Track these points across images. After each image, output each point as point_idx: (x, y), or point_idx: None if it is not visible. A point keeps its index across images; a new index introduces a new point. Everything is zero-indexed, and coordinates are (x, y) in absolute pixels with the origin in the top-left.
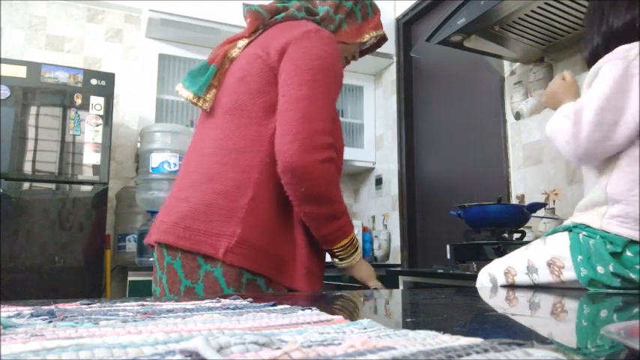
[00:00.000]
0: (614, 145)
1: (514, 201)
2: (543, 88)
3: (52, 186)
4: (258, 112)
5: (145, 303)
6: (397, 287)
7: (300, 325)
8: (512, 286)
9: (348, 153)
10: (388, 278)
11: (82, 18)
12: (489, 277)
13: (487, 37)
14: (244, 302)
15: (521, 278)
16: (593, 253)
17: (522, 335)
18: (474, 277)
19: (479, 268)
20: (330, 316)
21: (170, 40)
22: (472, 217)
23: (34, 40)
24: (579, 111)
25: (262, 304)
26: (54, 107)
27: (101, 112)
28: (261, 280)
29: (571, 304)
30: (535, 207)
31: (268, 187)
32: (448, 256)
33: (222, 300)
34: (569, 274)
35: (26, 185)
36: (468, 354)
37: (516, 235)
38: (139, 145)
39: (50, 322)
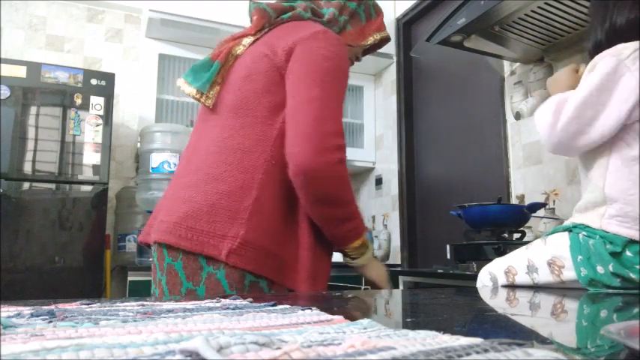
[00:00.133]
0: (588, 140)
1: (514, 201)
2: (543, 88)
3: (52, 186)
4: (263, 111)
5: (145, 303)
6: (397, 287)
7: (300, 325)
8: (512, 286)
9: (348, 153)
10: None
11: (82, 18)
12: (490, 276)
13: (487, 37)
14: (244, 302)
15: (522, 278)
16: (593, 253)
17: (522, 335)
18: (474, 277)
19: (479, 268)
20: (330, 316)
21: (170, 40)
22: (472, 217)
23: (34, 40)
24: (563, 101)
25: (262, 304)
26: (54, 107)
27: (101, 112)
28: (264, 282)
29: (571, 304)
30: (535, 207)
31: (272, 188)
32: (448, 256)
33: (222, 300)
34: (569, 273)
35: (26, 185)
36: (468, 354)
37: (516, 235)
38: (139, 145)
39: (50, 322)
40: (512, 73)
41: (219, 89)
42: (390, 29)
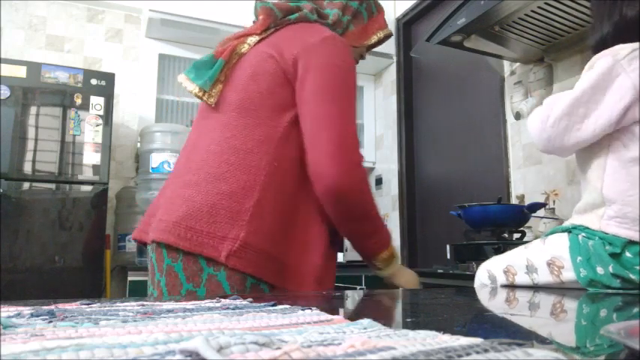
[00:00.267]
0: (578, 138)
1: (514, 201)
2: (543, 88)
3: (52, 186)
4: (267, 112)
5: (145, 303)
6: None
7: (300, 325)
8: (511, 286)
9: None
10: None
11: (82, 18)
12: (488, 274)
13: (487, 37)
14: (244, 302)
15: (522, 278)
16: (592, 254)
17: (522, 335)
18: (474, 277)
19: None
20: (330, 316)
21: (170, 40)
22: (472, 217)
23: (34, 40)
24: (558, 98)
25: (262, 304)
26: (54, 107)
27: (101, 112)
28: (265, 285)
29: (571, 304)
30: (535, 207)
31: (274, 190)
32: (448, 256)
33: (222, 300)
34: (568, 274)
35: (26, 185)
36: (468, 354)
37: (516, 235)
38: (139, 145)
39: (50, 322)
40: (512, 73)
41: (222, 87)
42: (390, 29)
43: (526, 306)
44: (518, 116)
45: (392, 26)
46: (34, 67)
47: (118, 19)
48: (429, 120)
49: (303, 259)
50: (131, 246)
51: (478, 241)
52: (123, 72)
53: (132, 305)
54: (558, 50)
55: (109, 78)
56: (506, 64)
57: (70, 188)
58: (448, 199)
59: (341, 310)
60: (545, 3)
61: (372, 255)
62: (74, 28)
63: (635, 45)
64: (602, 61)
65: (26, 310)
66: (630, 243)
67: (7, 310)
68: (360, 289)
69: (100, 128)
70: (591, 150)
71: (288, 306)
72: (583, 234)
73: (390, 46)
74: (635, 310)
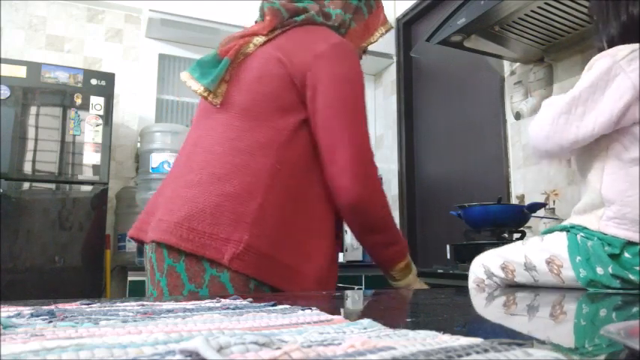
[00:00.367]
0: (576, 136)
1: (514, 201)
2: (543, 88)
3: (52, 186)
4: (272, 115)
5: (145, 303)
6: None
7: (300, 325)
8: (510, 285)
9: None
10: None
11: (82, 18)
12: (484, 269)
13: (487, 37)
14: (244, 302)
15: (521, 275)
16: (592, 254)
17: (522, 335)
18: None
19: None
20: (330, 316)
21: (170, 40)
22: (472, 217)
23: (34, 40)
24: (556, 98)
25: (262, 304)
26: (54, 107)
27: (101, 112)
28: (267, 287)
29: (570, 305)
30: (535, 207)
31: (277, 194)
32: (448, 256)
33: (222, 300)
34: (568, 273)
35: (26, 185)
36: (468, 354)
37: (516, 235)
38: (139, 145)
39: (50, 322)
40: (512, 73)
41: (227, 87)
42: (391, 22)
43: (526, 306)
44: (518, 116)
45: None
46: (34, 67)
47: (118, 19)
48: (429, 120)
49: (306, 261)
50: (131, 246)
51: (478, 241)
52: (123, 72)
53: (132, 305)
54: (558, 50)
55: (109, 78)
56: (506, 64)
57: (70, 188)
58: (448, 199)
59: (341, 310)
60: (545, 3)
61: (390, 265)
62: (74, 28)
63: (635, 46)
64: (600, 61)
65: (26, 310)
66: (629, 244)
67: (7, 310)
68: (359, 288)
69: (100, 128)
70: (590, 151)
71: (288, 306)
72: (581, 234)
73: (390, 46)
74: (635, 310)
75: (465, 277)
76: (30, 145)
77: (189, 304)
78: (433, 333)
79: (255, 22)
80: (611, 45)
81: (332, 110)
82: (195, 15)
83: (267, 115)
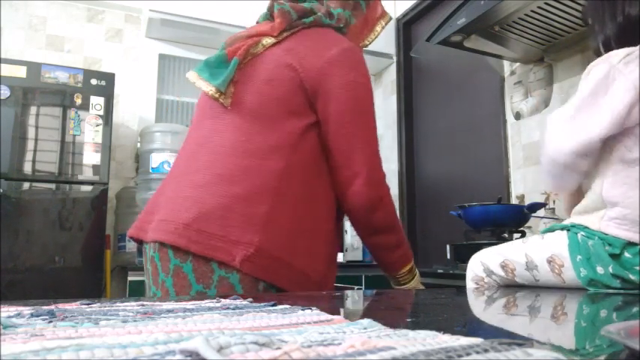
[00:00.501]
0: (585, 139)
1: (514, 201)
2: (543, 88)
3: (52, 186)
4: (281, 118)
5: (145, 303)
6: None
7: (300, 325)
8: (511, 284)
9: None
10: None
11: (82, 18)
12: (483, 266)
13: (487, 37)
14: (244, 302)
15: (522, 274)
16: (592, 253)
17: (522, 335)
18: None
19: None
20: (330, 316)
21: (170, 40)
22: (472, 217)
23: (34, 40)
24: (558, 111)
25: (262, 304)
26: (54, 107)
27: (101, 112)
28: (275, 289)
29: (571, 304)
30: (535, 207)
31: (286, 196)
32: (448, 256)
33: (222, 300)
34: (569, 272)
35: (26, 185)
36: (468, 354)
37: (516, 235)
38: (139, 145)
39: (50, 322)
40: (512, 73)
41: (235, 88)
42: (390, 29)
43: (526, 306)
44: (518, 116)
45: (392, 26)
46: (34, 67)
47: (118, 19)
48: (429, 120)
49: (311, 263)
50: (131, 246)
51: (478, 241)
52: (123, 72)
53: (132, 305)
54: (558, 50)
55: (109, 78)
56: (506, 64)
57: (70, 188)
58: (448, 199)
59: (341, 310)
60: (545, 3)
61: (396, 268)
62: (74, 28)
63: (629, 49)
64: (597, 68)
65: (26, 310)
66: (629, 244)
67: (7, 310)
68: (359, 288)
69: (100, 128)
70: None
71: (288, 306)
72: (582, 233)
73: (390, 46)
74: (635, 310)
75: (465, 277)
76: (30, 145)
77: (189, 304)
78: (433, 333)
79: (257, 22)
80: (607, 46)
81: (346, 116)
82: (195, 15)
83: (276, 118)
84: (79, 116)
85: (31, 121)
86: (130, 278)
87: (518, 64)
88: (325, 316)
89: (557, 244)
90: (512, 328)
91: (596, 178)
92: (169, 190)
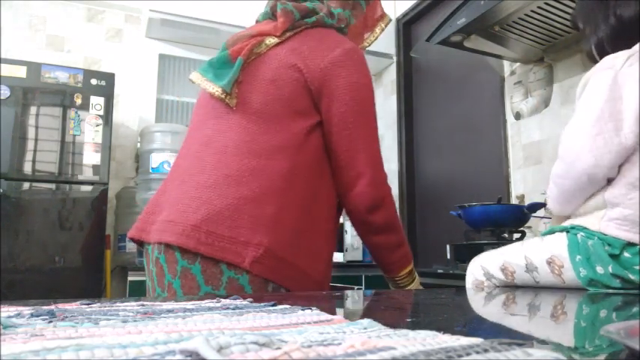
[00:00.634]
0: (623, 148)
1: (514, 201)
2: (543, 88)
3: (52, 186)
4: (286, 119)
5: (145, 303)
6: None
7: (300, 325)
8: (511, 285)
9: None
10: None
11: (82, 18)
12: (483, 270)
13: (487, 37)
14: (244, 302)
15: (522, 276)
16: (592, 253)
17: (522, 335)
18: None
19: None
20: (330, 316)
21: (170, 40)
22: (472, 217)
23: (34, 40)
24: (576, 127)
25: (262, 304)
26: (54, 107)
27: (101, 112)
28: (283, 290)
29: (571, 304)
30: (535, 207)
31: (292, 197)
32: (448, 256)
33: (222, 300)
34: (569, 273)
35: (26, 185)
36: (468, 354)
37: (516, 235)
38: (139, 145)
39: (50, 322)
40: (512, 73)
41: (239, 88)
42: (390, 29)
43: (526, 306)
44: (518, 116)
45: (392, 26)
46: (34, 67)
47: (118, 19)
48: (429, 120)
49: (314, 263)
50: (131, 246)
51: (478, 241)
52: (123, 72)
53: (132, 305)
54: (558, 50)
55: (109, 78)
56: (506, 64)
57: (70, 188)
58: (448, 199)
59: (341, 310)
60: (545, 3)
61: (396, 269)
62: (74, 28)
63: (628, 52)
64: (601, 75)
65: (26, 310)
66: (629, 244)
67: (7, 310)
68: (359, 288)
69: (100, 128)
70: None
71: (288, 306)
72: (582, 233)
73: (390, 46)
74: (635, 309)
75: (465, 278)
76: (30, 145)
77: (189, 304)
78: (433, 333)
79: (257, 20)
80: (600, 49)
81: (349, 116)
82: (195, 15)
83: (281, 119)
84: (79, 116)
85: (31, 121)
86: (130, 278)
87: (518, 64)
88: (325, 316)
89: (556, 245)
90: (512, 328)
91: None
92: (173, 190)
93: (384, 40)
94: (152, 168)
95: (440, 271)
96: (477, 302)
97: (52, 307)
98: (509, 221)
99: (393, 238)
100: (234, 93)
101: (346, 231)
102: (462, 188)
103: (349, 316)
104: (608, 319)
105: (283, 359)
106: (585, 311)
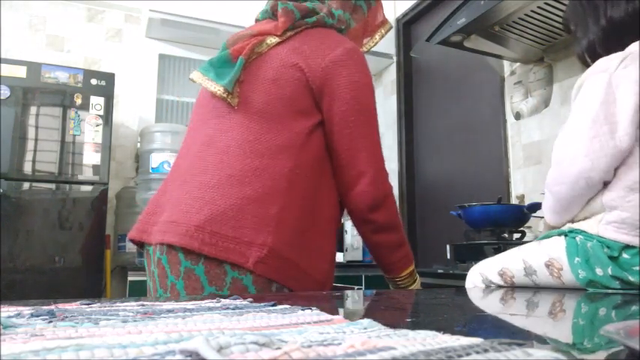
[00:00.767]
0: (615, 151)
1: (514, 201)
2: (543, 88)
3: (52, 186)
4: (289, 118)
5: (145, 303)
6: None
7: (300, 325)
8: (510, 287)
9: None
10: None
11: (82, 18)
12: (482, 277)
13: (487, 37)
14: (244, 302)
15: (520, 280)
16: (591, 255)
17: (522, 335)
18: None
19: None
20: (330, 316)
21: (170, 40)
22: (472, 217)
23: (34, 40)
24: (571, 132)
25: (262, 304)
26: (54, 107)
27: (101, 112)
28: (287, 290)
29: (570, 304)
30: (535, 207)
31: (296, 198)
32: (448, 256)
33: (222, 300)
34: (568, 276)
35: (26, 185)
36: (467, 354)
37: (516, 235)
38: (139, 145)
39: (50, 322)
40: (512, 73)
41: (241, 87)
42: (390, 22)
43: (526, 306)
44: (518, 116)
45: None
46: (34, 67)
47: (118, 19)
48: (429, 120)
49: (317, 263)
50: (131, 246)
51: (478, 241)
52: (123, 72)
53: (132, 305)
54: (558, 50)
55: (109, 78)
56: (506, 64)
57: (70, 188)
58: (448, 199)
59: (341, 310)
60: (545, 3)
61: (397, 270)
62: (74, 28)
63: (622, 54)
64: (594, 78)
65: (26, 310)
66: (627, 247)
67: (7, 310)
68: (359, 288)
69: (100, 128)
70: None
71: (288, 306)
72: (580, 236)
73: (390, 46)
74: (635, 309)
75: (465, 277)
76: (30, 145)
77: (189, 304)
78: (433, 333)
79: (257, 20)
80: (592, 51)
81: (350, 115)
82: (195, 15)
83: (283, 118)
84: (79, 116)
85: (31, 121)
86: (130, 278)
87: (518, 64)
88: (325, 316)
89: (554, 249)
90: (512, 328)
91: None
92: (174, 190)
93: (384, 40)
94: (152, 168)
95: (440, 271)
96: (477, 302)
97: (52, 307)
98: (509, 221)
99: (394, 237)
100: (235, 92)
101: (346, 231)
102: (462, 188)
103: (349, 316)
104: (607, 319)
105: (283, 359)
106: (585, 311)
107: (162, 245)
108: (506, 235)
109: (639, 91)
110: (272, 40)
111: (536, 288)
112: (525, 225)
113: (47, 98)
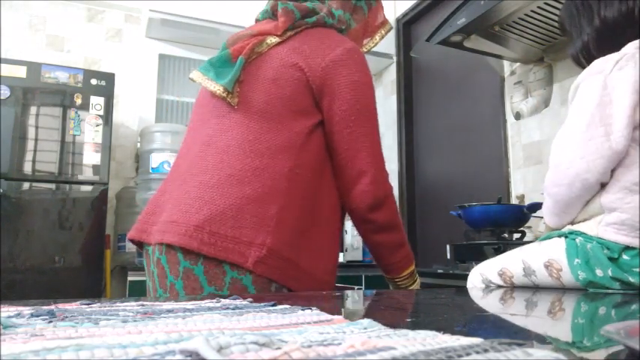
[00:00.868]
0: (611, 153)
1: (514, 201)
2: (543, 88)
3: (52, 186)
4: (289, 118)
5: (145, 303)
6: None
7: (300, 325)
8: (511, 287)
9: None
10: None
11: (82, 18)
12: (482, 278)
13: (487, 37)
14: (244, 302)
15: (520, 280)
16: (591, 256)
17: (522, 335)
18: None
19: None
20: (330, 316)
21: (170, 40)
22: (472, 217)
23: (34, 40)
24: (568, 134)
25: (262, 304)
26: (54, 107)
27: (101, 112)
28: (287, 290)
29: (570, 304)
30: (535, 207)
31: (296, 198)
32: (448, 256)
33: (222, 300)
34: (567, 277)
35: (26, 185)
36: (467, 354)
37: (516, 235)
38: (138, 145)
39: (50, 322)
40: (512, 73)
41: (241, 87)
42: (390, 23)
43: (526, 306)
44: (518, 116)
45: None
46: (34, 67)
47: (118, 19)
48: (429, 120)
49: (318, 263)
50: (131, 246)
51: (478, 241)
52: (123, 72)
53: (132, 305)
54: (558, 50)
55: (109, 78)
56: (506, 64)
57: (70, 188)
58: (448, 199)
59: (341, 310)
60: (545, 3)
61: (398, 269)
62: (74, 28)
63: (617, 55)
64: (590, 80)
65: (26, 310)
66: (627, 248)
67: (7, 310)
68: (359, 288)
69: (100, 128)
70: None
71: (288, 306)
72: (580, 238)
73: (390, 46)
74: (635, 309)
75: (465, 277)
76: (30, 145)
77: (189, 304)
78: (433, 333)
79: (257, 20)
80: (586, 53)
81: (351, 115)
82: (195, 15)
83: (283, 118)
84: (79, 116)
85: (31, 121)
86: (130, 278)
87: (518, 64)
88: (325, 316)
89: (554, 250)
90: (512, 328)
91: None
92: (174, 190)
93: (384, 40)
94: (152, 168)
95: (440, 271)
96: (477, 302)
97: (52, 307)
98: (509, 221)
99: (394, 237)
100: (235, 92)
101: (346, 231)
102: (462, 188)
103: (349, 316)
104: (608, 319)
105: (283, 359)
106: (585, 311)
107: (162, 245)
108: (506, 235)
109: (634, 93)
110: (272, 39)
111: (536, 288)
112: (525, 225)
113: (47, 98)
